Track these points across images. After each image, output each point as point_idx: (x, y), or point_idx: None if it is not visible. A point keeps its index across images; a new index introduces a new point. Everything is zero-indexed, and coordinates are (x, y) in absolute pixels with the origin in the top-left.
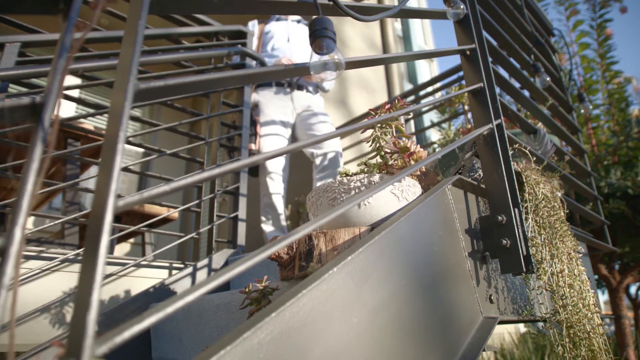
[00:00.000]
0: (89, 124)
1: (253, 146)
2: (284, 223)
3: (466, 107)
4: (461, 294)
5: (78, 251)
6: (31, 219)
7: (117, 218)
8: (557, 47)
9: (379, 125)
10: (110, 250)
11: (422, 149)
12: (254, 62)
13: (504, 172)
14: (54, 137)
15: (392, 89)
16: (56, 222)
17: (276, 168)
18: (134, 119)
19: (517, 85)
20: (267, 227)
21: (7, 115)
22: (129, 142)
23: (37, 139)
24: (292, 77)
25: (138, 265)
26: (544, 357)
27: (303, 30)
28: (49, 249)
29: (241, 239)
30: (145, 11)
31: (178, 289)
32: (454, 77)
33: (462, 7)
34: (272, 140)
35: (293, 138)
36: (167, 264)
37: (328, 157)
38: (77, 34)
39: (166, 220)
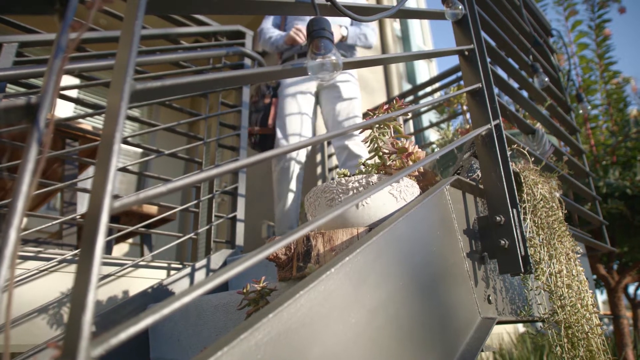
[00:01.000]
0: (87, 124)
1: (256, 128)
2: (292, 215)
3: (465, 108)
4: (459, 295)
5: (75, 252)
6: (29, 219)
7: (116, 218)
8: (555, 48)
9: (377, 125)
10: (109, 250)
11: (420, 150)
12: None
13: (502, 173)
14: (50, 137)
15: (391, 89)
16: (54, 222)
17: (301, 163)
18: (132, 119)
19: (515, 85)
20: (277, 215)
21: (3, 115)
22: (127, 142)
23: (32, 139)
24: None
25: (136, 266)
26: (543, 357)
27: None
28: (46, 250)
29: (239, 240)
30: (142, 11)
31: (176, 289)
32: (453, 77)
33: (460, 7)
34: (292, 119)
35: (317, 114)
36: (165, 265)
37: (352, 148)
38: (73, 34)
39: (165, 221)
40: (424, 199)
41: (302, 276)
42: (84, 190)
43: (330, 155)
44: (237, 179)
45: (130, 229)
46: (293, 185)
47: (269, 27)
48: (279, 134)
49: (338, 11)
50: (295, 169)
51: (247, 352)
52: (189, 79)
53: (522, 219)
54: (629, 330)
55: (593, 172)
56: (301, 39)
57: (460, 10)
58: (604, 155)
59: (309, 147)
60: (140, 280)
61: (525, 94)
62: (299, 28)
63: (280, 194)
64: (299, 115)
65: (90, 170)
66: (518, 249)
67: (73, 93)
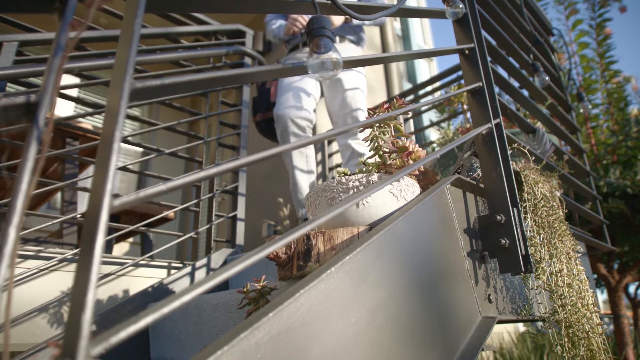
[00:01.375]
0: (87, 123)
1: (258, 115)
2: (302, 186)
3: (465, 107)
4: (460, 294)
5: (75, 251)
6: (30, 218)
7: (116, 217)
8: (556, 47)
9: (378, 124)
10: (109, 249)
11: (420, 149)
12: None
13: (503, 172)
14: (49, 136)
15: (391, 89)
16: (54, 221)
17: (302, 128)
18: (132, 118)
19: (516, 84)
20: (298, 206)
21: (2, 114)
22: (127, 142)
23: (31, 138)
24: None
25: (136, 265)
26: (543, 357)
27: None
28: (47, 249)
29: (240, 239)
30: (142, 10)
31: (176, 288)
32: (453, 76)
33: (460, 6)
34: (291, 90)
35: (320, 97)
36: (165, 264)
37: (354, 147)
38: (72, 33)
39: (165, 220)
40: (424, 198)
41: (303, 275)
42: (84, 190)
43: (330, 155)
44: (237, 178)
45: (131, 228)
46: (297, 152)
47: (272, 17)
48: (277, 104)
49: (338, 9)
50: (294, 131)
51: (247, 351)
52: (189, 77)
53: (522, 218)
54: (629, 330)
55: (594, 172)
56: (298, 27)
57: (461, 9)
58: (605, 155)
59: (312, 114)
60: (141, 279)
61: (525, 93)
62: (295, 17)
63: (288, 165)
64: (298, 87)
65: (91, 170)
66: (518, 248)
67: (73, 92)
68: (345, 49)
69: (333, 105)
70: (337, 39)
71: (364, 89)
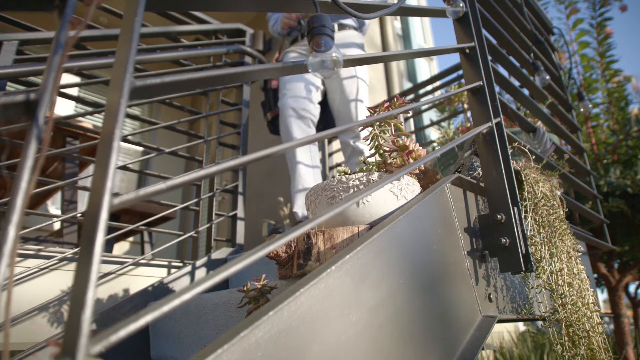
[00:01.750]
0: (87, 122)
1: (269, 115)
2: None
3: (465, 106)
4: (460, 293)
5: (76, 250)
6: (30, 217)
7: (116, 216)
8: (556, 46)
9: (378, 123)
10: (109, 249)
11: (421, 148)
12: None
13: (503, 171)
14: (49, 135)
15: (392, 88)
16: (54, 220)
17: (305, 119)
18: (132, 117)
19: (516, 83)
20: (298, 209)
21: (1, 112)
22: (127, 141)
23: (31, 136)
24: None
25: (137, 264)
26: (543, 356)
27: None
28: (47, 248)
29: (240, 238)
30: (142, 8)
31: (176, 287)
32: (454, 75)
33: (461, 5)
34: (293, 79)
35: (325, 93)
36: (165, 263)
37: (356, 144)
38: (72, 32)
39: (165, 219)
40: (424, 197)
41: (303, 274)
42: (85, 189)
43: (331, 154)
44: (237, 177)
45: (131, 227)
46: (301, 148)
47: (272, 13)
48: (280, 97)
49: (339, 8)
50: (295, 117)
51: (247, 350)
52: (189, 75)
53: (523, 217)
54: (629, 329)
55: (594, 171)
56: (293, 20)
57: (462, 7)
58: (605, 154)
59: (316, 105)
60: (141, 278)
61: (526, 92)
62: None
63: (289, 161)
64: (301, 78)
65: (91, 168)
66: (519, 247)
67: (73, 91)
68: (347, 37)
69: (334, 99)
70: (336, 26)
71: (366, 78)
